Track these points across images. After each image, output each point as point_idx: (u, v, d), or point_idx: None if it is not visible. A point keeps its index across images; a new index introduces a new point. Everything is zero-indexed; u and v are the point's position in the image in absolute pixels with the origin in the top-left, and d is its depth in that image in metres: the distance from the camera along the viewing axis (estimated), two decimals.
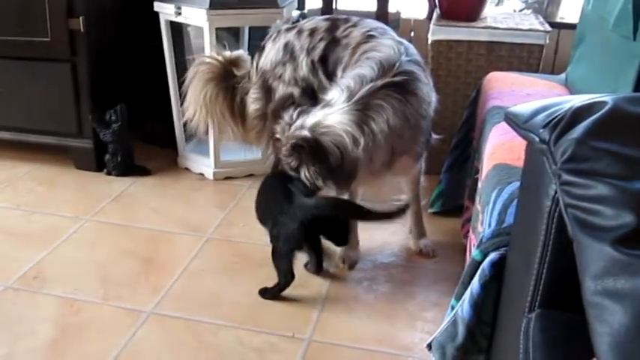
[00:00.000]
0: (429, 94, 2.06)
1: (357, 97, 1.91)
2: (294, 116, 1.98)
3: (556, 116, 1.04)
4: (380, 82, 1.93)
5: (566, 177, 0.95)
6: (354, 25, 2.23)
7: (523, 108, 1.18)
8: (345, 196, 2.10)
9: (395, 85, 1.94)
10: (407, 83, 1.97)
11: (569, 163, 0.95)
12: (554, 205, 1.01)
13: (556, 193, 1.00)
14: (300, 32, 2.28)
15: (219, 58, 2.47)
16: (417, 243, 2.41)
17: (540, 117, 1.09)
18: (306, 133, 1.91)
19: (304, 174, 1.96)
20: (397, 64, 1.98)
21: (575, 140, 0.96)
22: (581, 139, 0.95)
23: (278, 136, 2.03)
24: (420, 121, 2.01)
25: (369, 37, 2.15)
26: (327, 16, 2.37)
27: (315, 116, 1.94)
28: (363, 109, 1.90)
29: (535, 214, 1.08)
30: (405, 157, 2.12)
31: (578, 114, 1.00)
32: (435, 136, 2.27)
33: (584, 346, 0.89)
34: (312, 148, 1.90)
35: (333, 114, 1.91)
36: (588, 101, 1.02)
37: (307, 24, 2.31)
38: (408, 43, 2.17)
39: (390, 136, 1.93)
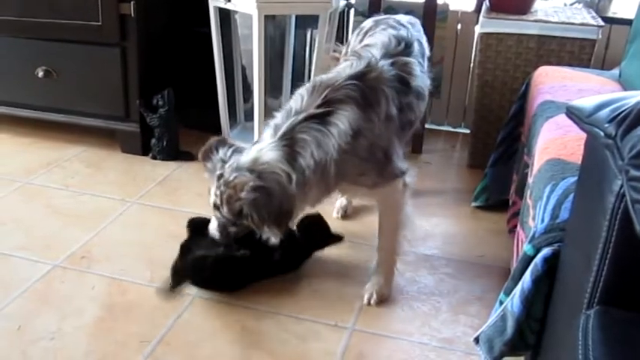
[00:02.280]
0: (350, 127, 1.83)
1: (280, 132, 1.83)
2: (228, 154, 1.89)
3: (622, 111, 1.02)
4: (301, 116, 1.83)
5: (634, 173, 0.93)
6: (375, 29, 2.22)
7: (586, 102, 1.16)
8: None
9: (315, 117, 1.83)
10: (328, 114, 1.84)
11: (637, 158, 0.93)
12: (619, 201, 1.00)
13: (621, 188, 0.98)
14: (357, 30, 2.30)
15: (337, 55, 2.49)
16: (368, 287, 2.10)
17: (605, 111, 1.07)
18: (249, 176, 1.79)
19: (252, 219, 1.81)
20: (326, 91, 1.86)
21: None
22: None
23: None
24: (343, 154, 1.83)
25: (359, 50, 2.09)
26: (376, 18, 2.34)
27: (249, 153, 1.85)
28: (290, 144, 1.81)
29: (596, 209, 1.06)
30: (346, 183, 1.96)
31: None
32: (401, 166, 2.00)
33: None
34: (258, 194, 1.78)
35: (265, 150, 1.83)
36: None
37: (363, 23, 2.33)
38: (385, 62, 1.97)
39: (319, 169, 1.82)
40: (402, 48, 2.08)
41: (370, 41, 2.15)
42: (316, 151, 1.81)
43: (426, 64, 2.24)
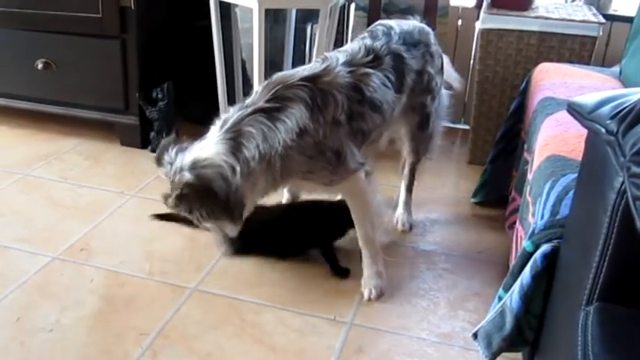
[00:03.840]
0: (296, 125, 1.84)
1: (227, 125, 1.85)
2: (173, 155, 1.88)
3: (624, 108, 1.03)
4: (250, 109, 1.85)
5: (635, 169, 0.93)
6: (362, 34, 2.22)
7: (587, 98, 1.17)
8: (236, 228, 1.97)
9: (263, 110, 1.85)
10: (276, 110, 1.85)
11: (639, 155, 0.93)
12: (620, 198, 1.00)
13: (622, 185, 0.98)
14: None
15: None
16: (364, 283, 2.10)
17: (607, 108, 1.07)
18: (187, 176, 1.80)
19: (196, 218, 1.88)
20: (278, 87, 1.88)
21: None
22: None
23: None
24: (288, 150, 1.84)
25: (330, 53, 2.10)
26: (379, 22, 2.29)
27: (192, 153, 1.85)
28: (235, 137, 1.83)
29: (597, 206, 1.07)
30: (296, 179, 1.98)
31: None
32: (357, 161, 1.99)
33: None
34: (197, 191, 1.81)
35: (209, 145, 1.84)
36: None
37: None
38: (343, 69, 1.97)
39: (264, 162, 1.83)
40: (368, 59, 2.05)
41: (344, 47, 2.16)
42: (262, 143, 1.82)
43: (409, 78, 2.17)
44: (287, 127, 1.84)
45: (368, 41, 2.13)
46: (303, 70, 1.97)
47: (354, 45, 2.13)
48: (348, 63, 2.02)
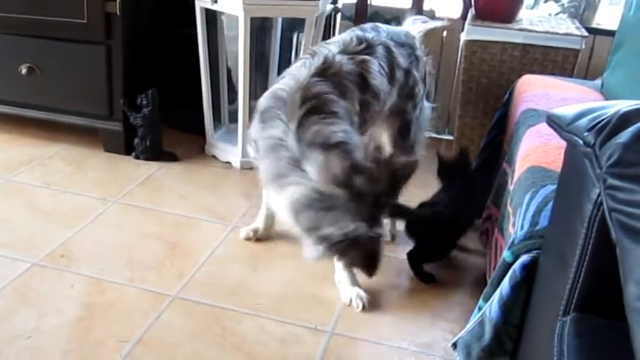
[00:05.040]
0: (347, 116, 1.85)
1: (294, 141, 1.75)
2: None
3: (602, 120, 1.04)
4: (294, 123, 1.76)
5: (611, 181, 0.94)
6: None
7: (566, 110, 1.18)
8: None
9: (309, 112, 1.77)
10: (321, 107, 1.80)
11: (615, 167, 0.95)
12: (596, 209, 1.01)
13: (599, 196, 0.99)
14: None
15: None
16: (346, 291, 2.09)
17: (584, 120, 1.08)
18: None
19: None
20: (300, 93, 1.81)
21: (622, 145, 0.95)
22: (628, 143, 0.94)
23: None
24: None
25: (315, 47, 2.09)
26: (366, 25, 2.32)
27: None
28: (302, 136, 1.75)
29: (574, 217, 1.07)
30: None
31: (625, 118, 0.99)
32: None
33: (621, 352, 0.89)
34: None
35: (306, 160, 1.75)
36: (636, 106, 1.02)
37: None
38: (343, 57, 1.96)
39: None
40: (362, 47, 2.04)
41: (333, 39, 2.14)
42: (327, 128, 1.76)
43: (398, 73, 2.17)
44: (338, 119, 1.80)
45: (358, 32, 2.12)
46: (299, 71, 1.90)
47: (344, 36, 2.11)
48: (343, 52, 2.00)
